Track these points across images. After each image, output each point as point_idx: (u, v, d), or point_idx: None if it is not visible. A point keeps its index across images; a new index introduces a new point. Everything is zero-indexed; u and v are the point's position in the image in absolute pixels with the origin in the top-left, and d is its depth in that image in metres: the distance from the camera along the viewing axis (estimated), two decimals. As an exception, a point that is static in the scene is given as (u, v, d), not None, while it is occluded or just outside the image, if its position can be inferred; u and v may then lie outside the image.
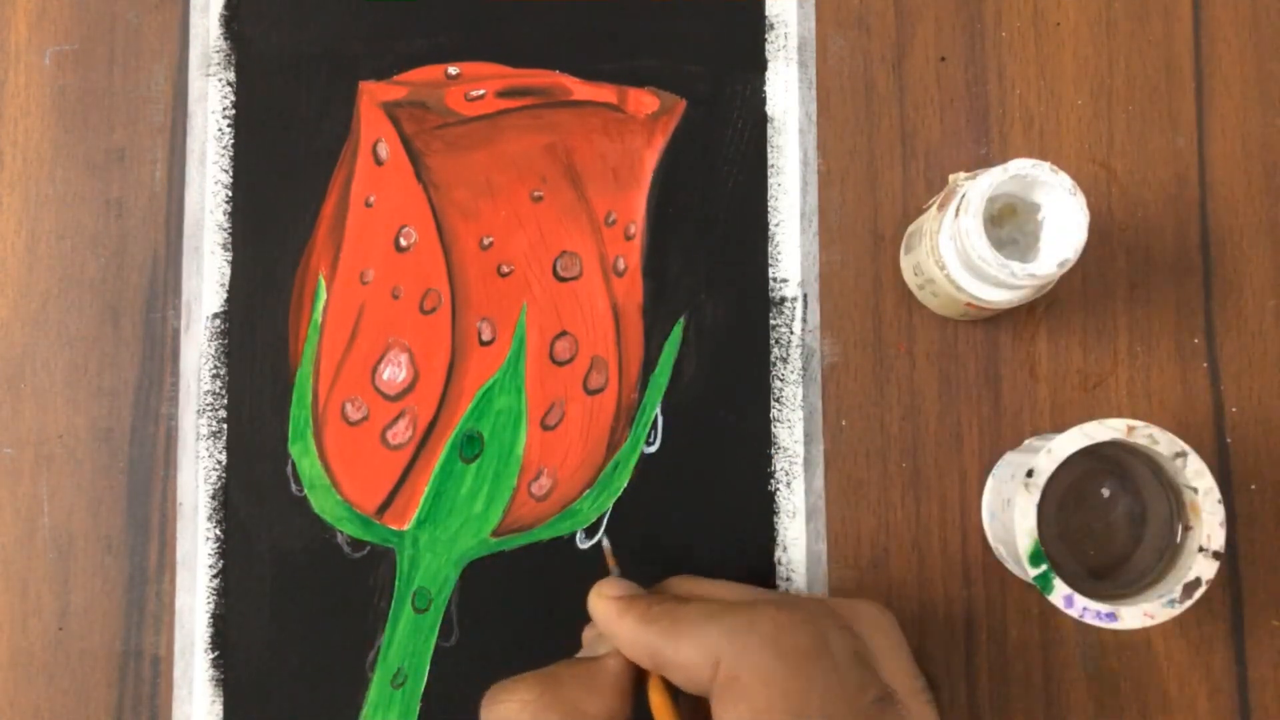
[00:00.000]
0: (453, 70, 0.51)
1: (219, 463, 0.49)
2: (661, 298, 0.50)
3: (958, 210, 0.43)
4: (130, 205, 0.51)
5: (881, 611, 0.40)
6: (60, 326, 0.50)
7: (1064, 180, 0.42)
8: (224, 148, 0.51)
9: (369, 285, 0.50)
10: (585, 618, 0.48)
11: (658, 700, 0.39)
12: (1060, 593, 0.42)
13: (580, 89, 0.51)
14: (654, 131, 0.51)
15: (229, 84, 0.51)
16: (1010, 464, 0.47)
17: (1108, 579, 0.44)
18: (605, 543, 0.47)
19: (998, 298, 0.44)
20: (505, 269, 0.50)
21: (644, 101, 0.51)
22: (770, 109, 0.51)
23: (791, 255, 0.50)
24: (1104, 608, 0.42)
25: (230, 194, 0.51)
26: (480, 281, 0.50)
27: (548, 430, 0.49)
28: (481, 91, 0.51)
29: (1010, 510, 0.43)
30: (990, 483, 0.49)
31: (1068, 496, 0.45)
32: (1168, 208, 0.50)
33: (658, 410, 0.50)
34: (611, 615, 0.39)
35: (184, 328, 0.50)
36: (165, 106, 0.51)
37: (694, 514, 0.49)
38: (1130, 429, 0.42)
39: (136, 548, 0.49)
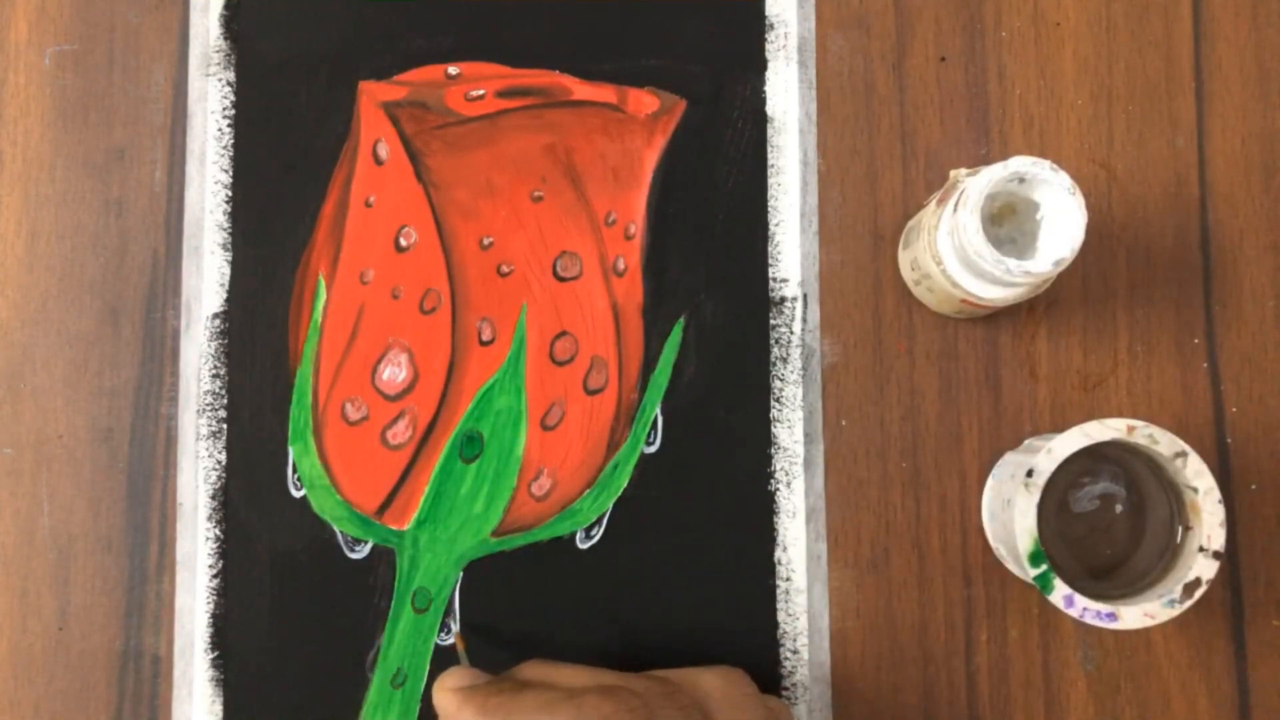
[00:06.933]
0: (453, 70, 0.51)
1: (219, 463, 0.49)
2: (661, 298, 0.50)
3: (956, 205, 0.43)
4: (130, 205, 0.51)
5: (723, 677, 0.42)
6: (60, 326, 0.50)
7: (1063, 179, 0.42)
8: (224, 148, 0.51)
9: (369, 285, 0.50)
10: (584, 618, 0.48)
11: None
12: (1060, 593, 0.42)
13: (580, 89, 0.51)
14: (654, 131, 0.51)
15: (229, 84, 0.51)
16: (1010, 464, 0.47)
17: (1108, 579, 0.44)
18: (456, 631, 0.48)
19: (993, 295, 0.44)
20: (505, 269, 0.50)
21: (644, 101, 0.51)
22: (770, 109, 0.51)
23: (791, 255, 0.50)
24: (1104, 608, 0.42)
25: (230, 194, 0.51)
26: (480, 281, 0.50)
27: (548, 430, 0.49)
28: (481, 91, 0.51)
29: (1010, 510, 0.43)
30: (990, 483, 0.49)
31: (1068, 496, 0.44)
32: (1168, 208, 0.50)
33: (657, 410, 0.50)
34: (451, 709, 0.40)
35: (184, 328, 0.50)
36: (165, 106, 0.51)
37: (694, 514, 0.49)
38: (1130, 429, 0.42)
39: (136, 548, 0.49)
